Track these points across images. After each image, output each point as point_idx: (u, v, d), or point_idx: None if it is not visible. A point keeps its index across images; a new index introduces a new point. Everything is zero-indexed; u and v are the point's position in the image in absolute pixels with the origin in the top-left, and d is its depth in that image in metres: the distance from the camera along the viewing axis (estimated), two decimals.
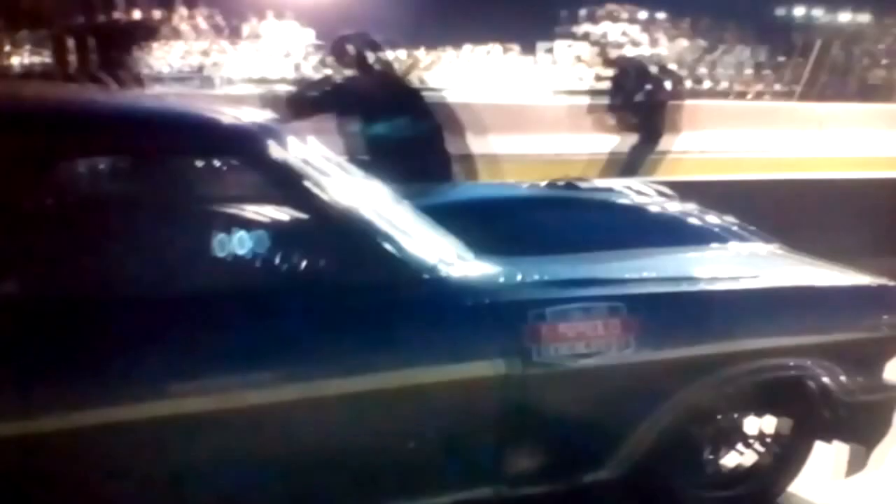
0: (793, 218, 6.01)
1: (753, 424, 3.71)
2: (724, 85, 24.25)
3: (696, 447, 3.55)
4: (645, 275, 3.48)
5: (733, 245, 4.21)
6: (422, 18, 25.96)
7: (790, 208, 7.01)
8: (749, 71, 24.52)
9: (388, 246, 2.91)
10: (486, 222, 3.70)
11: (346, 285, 2.80)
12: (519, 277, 3.18)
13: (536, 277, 3.22)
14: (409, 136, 5.62)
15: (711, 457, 3.63)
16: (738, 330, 3.37)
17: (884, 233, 7.71)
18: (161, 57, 19.07)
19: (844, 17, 28.88)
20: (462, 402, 2.94)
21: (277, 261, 2.83)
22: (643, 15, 31.19)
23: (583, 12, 32.51)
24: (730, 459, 3.71)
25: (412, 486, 3.04)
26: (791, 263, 4.00)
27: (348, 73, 5.89)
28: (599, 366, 3.07)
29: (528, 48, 29.58)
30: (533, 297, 3.09)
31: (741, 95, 21.56)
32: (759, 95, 21.48)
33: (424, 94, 6.68)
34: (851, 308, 3.70)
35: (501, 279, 3.14)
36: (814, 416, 3.64)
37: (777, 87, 22.72)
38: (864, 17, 29.00)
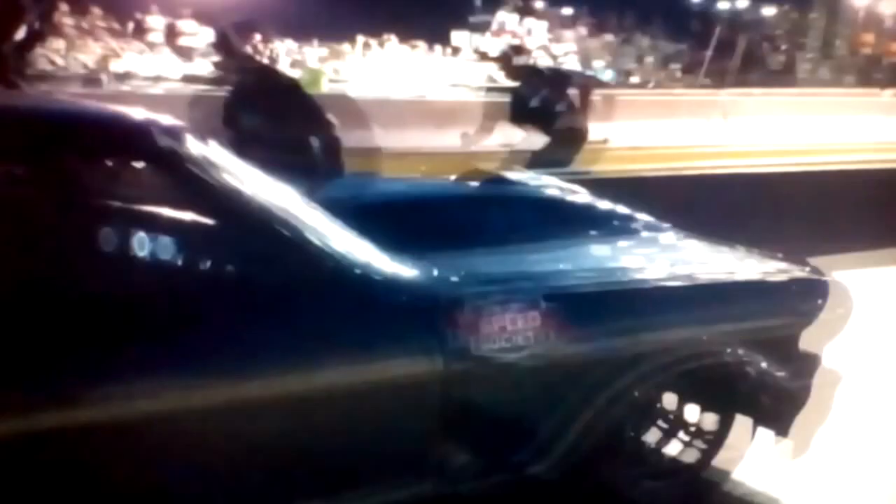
0: (701, 209, 6.14)
1: (685, 413, 3.82)
2: (625, 75, 24.65)
3: (630, 438, 3.59)
4: (565, 268, 3.50)
5: (647, 236, 4.29)
6: (318, 10, 25.78)
7: (697, 199, 7.14)
8: (650, 59, 24.93)
9: (309, 243, 2.87)
10: (398, 219, 3.70)
11: (268, 284, 2.76)
12: (439, 274, 3.15)
13: (457, 273, 3.19)
14: (290, 132, 5.58)
15: (647, 447, 3.71)
16: (663, 320, 3.42)
17: (792, 221, 7.95)
18: (55, 56, 18.54)
19: (743, 3, 29.56)
20: (389, 400, 2.94)
21: (190, 262, 2.79)
22: (541, 5, 31.51)
23: (482, 3, 32.72)
24: (666, 449, 3.80)
25: (342, 485, 3.02)
26: (706, 253, 4.10)
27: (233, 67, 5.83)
28: (524, 360, 3.10)
29: (428, 41, 29.60)
30: (455, 293, 3.07)
31: (643, 85, 21.91)
32: (660, 84, 21.83)
33: (306, 88, 6.63)
34: (775, 295, 3.79)
35: (423, 276, 3.11)
36: (746, 404, 3.75)
37: (679, 75, 23.14)
38: (764, 4, 29.74)
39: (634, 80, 24.29)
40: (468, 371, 3.04)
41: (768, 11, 28.88)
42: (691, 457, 3.81)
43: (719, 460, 3.88)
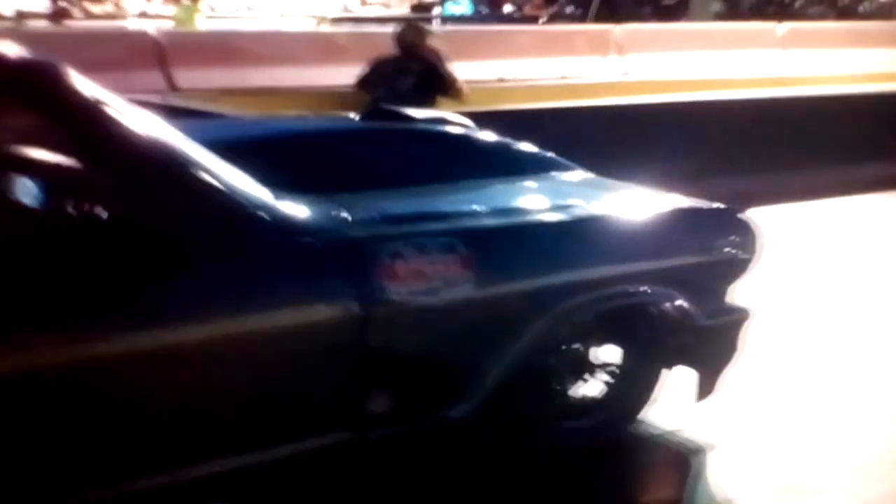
0: (598, 145, 6.23)
1: (602, 353, 3.89)
2: (513, 9, 24.72)
3: (548, 379, 3.70)
4: (477, 208, 3.56)
5: (554, 175, 4.34)
6: None
7: (595, 135, 7.21)
8: None
9: (214, 183, 2.84)
10: (294, 158, 3.69)
11: (174, 229, 2.72)
12: (349, 215, 3.17)
13: (367, 214, 3.22)
14: None
15: (563, 387, 3.78)
16: (575, 260, 3.50)
17: (695, 157, 8.12)
18: None
19: None
20: (307, 345, 2.96)
21: (83, 206, 2.69)
22: None
23: None
24: (582, 389, 3.88)
25: (265, 434, 3.03)
26: (616, 191, 4.20)
27: None
28: (441, 303, 3.15)
29: None
30: (368, 235, 3.11)
31: (533, 20, 21.97)
32: (552, 19, 21.93)
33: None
34: (684, 232, 3.90)
35: (333, 217, 3.12)
36: (659, 342, 3.84)
37: (569, 10, 23.25)
38: None
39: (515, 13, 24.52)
40: (388, 315, 3.06)
41: None
42: (606, 396, 3.92)
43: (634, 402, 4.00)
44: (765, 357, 4.86)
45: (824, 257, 6.99)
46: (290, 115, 5.76)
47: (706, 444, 4.11)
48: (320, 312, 2.98)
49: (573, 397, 3.88)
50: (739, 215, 4.09)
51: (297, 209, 3.06)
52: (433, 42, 9.08)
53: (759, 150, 8.97)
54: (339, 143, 4.21)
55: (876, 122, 9.95)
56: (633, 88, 11.15)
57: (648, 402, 4.03)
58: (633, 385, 3.95)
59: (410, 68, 8.75)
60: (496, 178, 4.11)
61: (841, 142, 9.56)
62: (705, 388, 3.99)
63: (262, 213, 2.92)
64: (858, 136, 9.72)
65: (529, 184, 4.16)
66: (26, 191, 2.68)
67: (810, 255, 6.93)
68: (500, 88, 11.06)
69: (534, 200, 3.89)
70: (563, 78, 12.17)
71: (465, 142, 4.48)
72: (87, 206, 2.67)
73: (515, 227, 3.50)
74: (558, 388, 3.81)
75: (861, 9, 26.40)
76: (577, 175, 4.46)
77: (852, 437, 4.24)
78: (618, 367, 3.92)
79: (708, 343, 3.89)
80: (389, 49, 9.08)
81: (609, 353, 3.93)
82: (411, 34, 9.04)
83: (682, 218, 3.93)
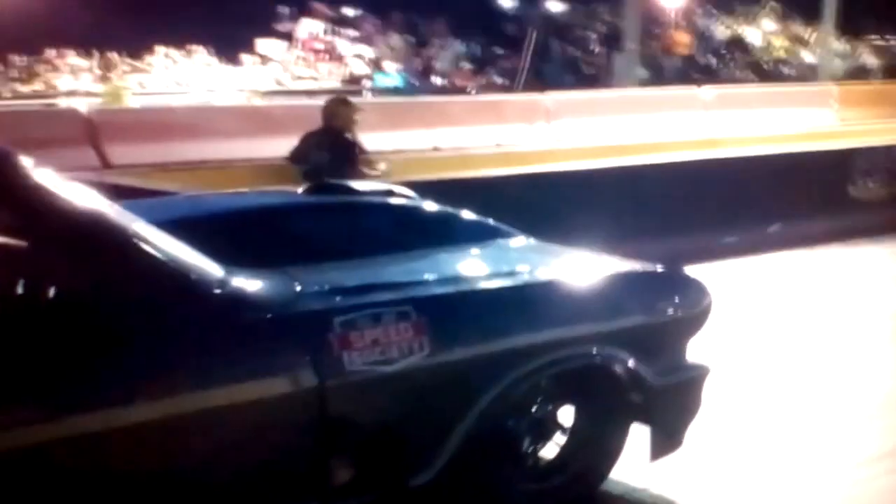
0: (533, 211, 6.30)
1: (561, 415, 3.91)
2: (443, 80, 25.05)
3: (509, 442, 3.72)
4: (428, 277, 3.62)
5: (498, 242, 4.41)
6: (120, 24, 25.12)
7: (532, 201, 7.28)
8: (466, 65, 25.35)
9: (164, 260, 2.85)
10: (246, 234, 3.75)
11: (123, 307, 2.72)
12: (302, 288, 3.20)
13: (320, 287, 3.26)
14: None
15: (525, 450, 3.81)
16: (525, 325, 3.56)
17: (627, 218, 8.25)
18: None
19: (554, 5, 30.44)
20: (264, 419, 2.95)
21: (34, 285, 2.68)
22: (350, 13, 31.58)
23: (286, 11, 32.51)
24: (545, 451, 3.90)
25: None
26: (560, 256, 4.29)
27: None
28: (397, 371, 3.17)
29: (229, 49, 29.23)
30: (322, 307, 3.13)
31: (463, 90, 22.26)
32: (481, 89, 22.24)
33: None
34: (631, 294, 4.00)
35: (286, 290, 3.16)
36: (614, 402, 3.86)
37: (498, 80, 23.61)
38: (574, 5, 30.73)
39: (445, 84, 24.81)
40: (345, 386, 3.07)
41: (578, 15, 29.80)
42: (568, 457, 3.96)
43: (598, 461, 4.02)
44: (725, 412, 4.92)
45: (764, 313, 7.11)
46: (240, 191, 5.76)
47: (672, 502, 4.14)
48: (276, 386, 2.97)
49: (535, 460, 3.90)
50: (685, 274, 4.19)
51: (249, 283, 3.08)
52: (359, 115, 9.14)
53: (688, 210, 9.10)
54: (288, 217, 4.25)
55: (803, 180, 10.21)
56: (566, 155, 11.31)
57: (614, 462, 4.06)
58: (594, 445, 3.99)
59: (331, 142, 8.81)
60: (443, 247, 4.16)
61: (770, 200, 9.77)
62: (663, 446, 4.03)
63: (214, 289, 2.93)
64: (786, 194, 9.94)
65: (476, 251, 4.23)
66: None
67: (752, 311, 7.04)
68: (435, 157, 11.14)
69: (482, 268, 3.98)
70: (497, 145, 12.31)
71: (410, 212, 4.55)
72: (31, 285, 2.65)
73: (467, 294, 3.55)
74: (519, 451, 3.83)
75: (784, 71, 27.20)
76: (521, 241, 4.54)
77: (816, 492, 4.30)
78: (576, 428, 3.95)
79: (663, 401, 3.95)
80: (317, 122, 9.12)
81: (567, 415, 3.95)
82: (335, 108, 9.09)
83: (628, 280, 4.03)
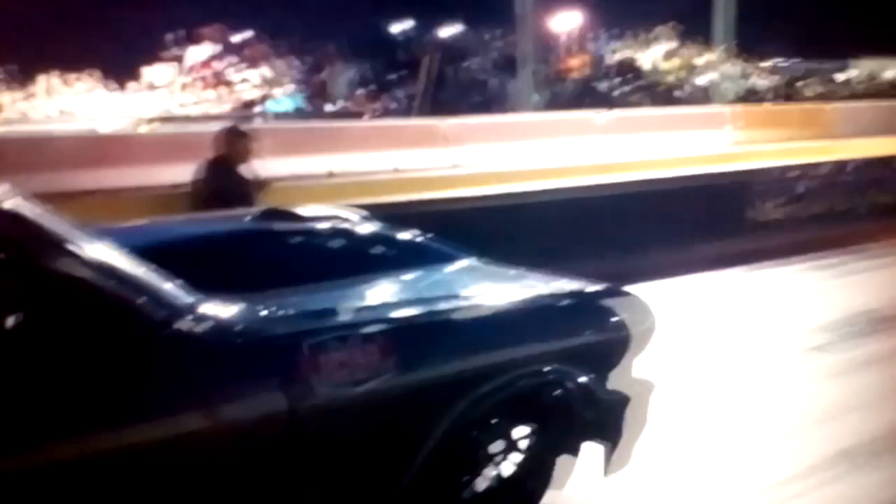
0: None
1: (516, 433, 3.91)
2: (337, 106, 24.89)
3: (471, 461, 3.78)
4: (390, 299, 3.79)
5: (452, 262, 4.56)
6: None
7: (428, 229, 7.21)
8: (361, 90, 25.28)
9: (139, 287, 2.92)
10: (199, 260, 3.70)
11: (93, 336, 2.77)
12: (268, 313, 3.26)
13: (286, 312, 3.32)
14: None
15: (484, 468, 3.85)
16: (485, 344, 3.68)
17: (526, 244, 8.21)
18: None
19: (448, 31, 30.67)
20: (235, 442, 3.00)
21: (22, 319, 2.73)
22: (239, 38, 31.33)
23: (173, 37, 32.13)
24: (499, 469, 3.89)
25: None
26: (511, 276, 4.41)
27: None
28: (364, 393, 3.24)
29: (116, 76, 28.75)
30: (289, 332, 3.19)
31: (358, 115, 22.19)
32: (377, 114, 22.22)
33: None
34: (581, 313, 4.12)
35: (253, 316, 3.21)
36: (567, 420, 3.96)
37: (393, 105, 23.65)
38: (468, 31, 31.01)
39: (340, 109, 24.70)
40: (314, 409, 3.11)
41: (473, 40, 30.07)
42: (524, 474, 3.97)
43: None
44: (671, 427, 4.94)
45: (675, 335, 7.13)
46: (189, 217, 5.66)
47: None
48: (247, 409, 3.01)
49: (492, 477, 3.91)
50: (630, 293, 4.30)
51: (217, 309, 3.13)
52: (252, 142, 9.00)
53: (586, 235, 9.08)
54: (242, 243, 4.32)
55: (701, 203, 10.34)
56: (466, 181, 11.31)
57: (567, 477, 4.12)
58: (547, 462, 4.03)
59: (226, 172, 8.64)
60: (401, 269, 4.25)
61: (668, 224, 9.85)
62: (615, 462, 4.11)
63: (185, 314, 2.99)
64: (684, 218, 10.05)
65: (432, 273, 4.32)
66: None
67: (662, 334, 7.06)
68: (330, 184, 11.06)
69: (440, 290, 4.04)
70: (395, 171, 12.29)
71: (365, 236, 4.64)
72: None
73: (429, 316, 3.61)
74: (479, 470, 3.85)
75: (678, 94, 27.81)
76: (473, 262, 4.63)
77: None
78: (532, 445, 3.98)
79: (613, 417, 4.05)
80: (207, 149, 8.95)
81: (523, 433, 3.97)
82: (227, 137, 8.92)
83: (578, 299, 4.15)
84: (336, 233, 4.56)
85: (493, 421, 3.79)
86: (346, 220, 4.77)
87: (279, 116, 20.56)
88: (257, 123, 16.46)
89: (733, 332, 7.39)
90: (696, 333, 7.04)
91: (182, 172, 8.98)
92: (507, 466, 3.93)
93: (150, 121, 19.61)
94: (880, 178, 12.41)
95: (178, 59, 28.23)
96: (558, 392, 3.86)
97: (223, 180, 8.55)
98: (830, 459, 4.80)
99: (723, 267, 9.51)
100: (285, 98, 23.58)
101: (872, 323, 7.52)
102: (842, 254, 10.38)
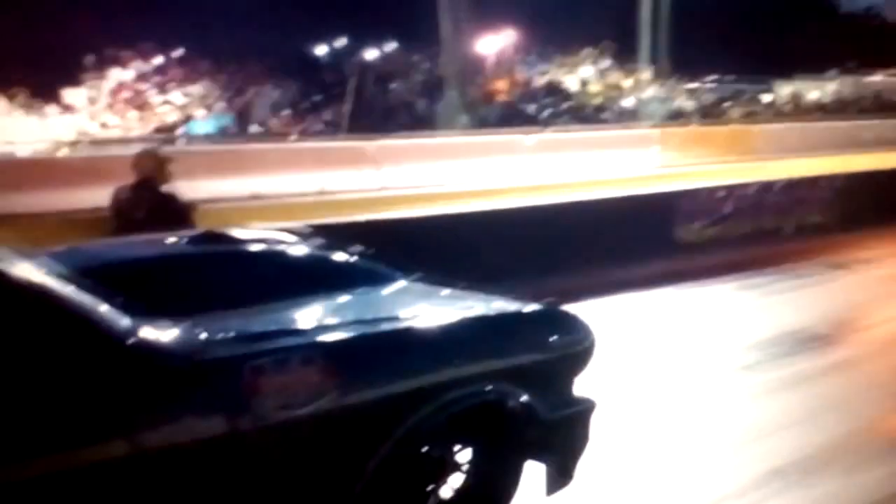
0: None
1: (461, 453, 3.98)
2: (262, 127, 24.72)
3: (412, 481, 3.78)
4: (330, 321, 3.77)
5: (391, 282, 4.54)
6: None
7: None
8: (286, 111, 25.13)
9: (77, 312, 2.92)
10: (137, 283, 3.66)
11: (43, 360, 2.78)
12: (208, 336, 3.25)
13: (226, 334, 3.31)
14: None
15: (427, 488, 3.88)
16: (426, 364, 3.69)
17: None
18: None
19: (375, 52, 30.69)
20: (178, 466, 2.98)
21: None
22: (162, 59, 31.09)
23: (94, 58, 31.75)
24: (443, 490, 3.94)
25: None
26: (451, 296, 4.43)
27: None
28: (307, 414, 3.24)
29: (35, 97, 28.26)
30: (230, 354, 3.18)
31: (283, 136, 22.04)
32: (302, 135, 22.10)
33: None
34: (522, 332, 4.14)
35: (193, 339, 3.19)
36: (514, 438, 3.99)
37: (319, 126, 23.56)
38: (396, 51, 31.05)
39: (265, 130, 24.52)
40: (256, 431, 3.11)
41: (403, 62, 30.13)
42: (468, 495, 3.99)
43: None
44: (611, 446, 4.93)
45: (610, 355, 7.13)
46: (123, 242, 5.54)
47: None
48: (189, 433, 2.98)
49: (437, 498, 3.92)
50: (570, 313, 4.33)
51: (157, 332, 3.11)
52: (172, 166, 8.84)
53: (514, 256, 9.06)
54: (179, 266, 4.27)
55: (630, 223, 10.40)
56: (394, 202, 11.28)
57: (510, 500, 4.09)
58: (493, 482, 4.05)
59: (144, 197, 8.48)
60: (339, 289, 4.23)
61: (598, 244, 9.88)
62: (558, 481, 4.13)
63: (125, 338, 2.98)
64: (614, 238, 10.10)
65: (373, 294, 4.32)
66: None
67: (617, 349, 7.06)
68: (255, 205, 10.94)
69: (380, 310, 4.04)
70: (321, 192, 12.21)
71: (303, 257, 4.62)
72: None
73: (370, 337, 3.62)
74: (422, 491, 3.86)
75: (604, 116, 28.10)
76: (412, 282, 4.61)
77: None
78: (476, 465, 4.01)
79: (556, 436, 4.07)
80: (128, 172, 8.79)
81: (467, 453, 3.99)
82: (145, 161, 8.75)
83: (518, 318, 4.17)
84: (274, 255, 4.53)
85: (438, 439, 3.81)
86: (284, 241, 4.74)
87: (203, 138, 20.38)
88: (180, 145, 16.25)
89: (665, 351, 7.42)
90: (627, 353, 7.05)
91: (103, 196, 8.82)
92: (451, 486, 3.94)
93: (71, 143, 19.27)
94: (807, 197, 12.61)
95: (100, 80, 27.85)
96: (500, 411, 3.87)
97: (146, 203, 8.41)
98: (763, 478, 4.85)
99: (652, 286, 9.56)
100: (209, 119, 23.37)
101: (801, 341, 7.62)
102: (770, 273, 10.52)
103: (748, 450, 5.27)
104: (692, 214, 11.33)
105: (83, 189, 10.24)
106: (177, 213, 8.43)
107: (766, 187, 12.29)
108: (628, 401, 5.97)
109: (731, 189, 11.87)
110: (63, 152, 18.11)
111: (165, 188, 8.60)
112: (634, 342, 7.48)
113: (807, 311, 8.81)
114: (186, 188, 9.01)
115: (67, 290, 3.01)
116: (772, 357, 7.15)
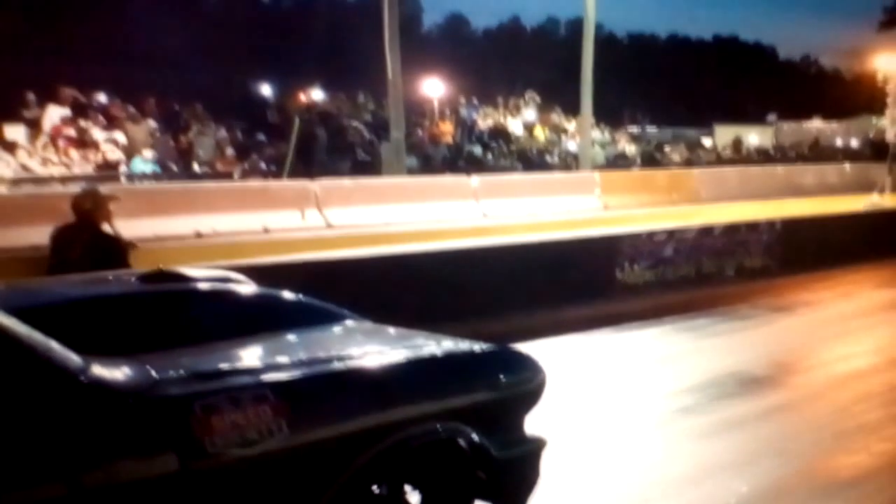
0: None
1: (410, 493, 3.95)
2: (205, 166, 24.56)
3: None
4: (280, 360, 3.76)
5: (339, 323, 4.61)
6: None
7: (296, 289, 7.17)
8: (230, 151, 25.06)
9: (30, 349, 2.92)
10: (83, 322, 3.75)
11: None
12: (158, 374, 3.24)
13: (176, 372, 3.30)
14: None
15: None
16: (376, 404, 3.71)
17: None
18: None
19: (320, 93, 30.69)
20: (132, 502, 2.98)
21: None
22: (103, 97, 30.87)
23: (34, 96, 31.48)
24: None
25: None
26: (400, 336, 4.48)
27: None
28: (257, 453, 3.26)
29: None
30: (180, 392, 3.18)
31: (227, 176, 21.94)
32: (245, 175, 22.02)
33: None
34: (473, 370, 4.21)
35: (143, 377, 3.20)
36: (464, 477, 4.02)
37: (263, 166, 23.47)
38: (342, 93, 31.08)
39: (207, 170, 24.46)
40: (207, 470, 3.13)
41: (347, 104, 30.16)
42: None
43: None
44: (555, 488, 4.94)
45: (567, 393, 7.16)
46: (71, 281, 5.51)
47: None
48: (137, 471, 2.99)
49: None
50: (520, 352, 4.41)
51: (108, 371, 3.12)
52: (113, 205, 8.79)
53: (456, 298, 9.08)
54: (127, 305, 4.27)
55: (572, 266, 10.49)
56: (338, 243, 11.29)
57: None
58: None
59: (81, 237, 8.43)
60: (288, 329, 4.28)
61: (539, 286, 9.95)
62: None
63: (78, 376, 2.98)
64: (556, 280, 10.17)
65: (321, 334, 4.34)
66: None
67: (557, 391, 7.09)
68: (198, 244, 10.90)
69: (330, 350, 4.02)
70: (265, 231, 12.18)
71: (251, 297, 4.65)
72: None
73: (320, 376, 3.63)
74: None
75: (547, 160, 28.33)
76: (360, 323, 4.66)
77: None
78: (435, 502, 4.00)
79: (506, 474, 4.09)
80: (68, 210, 8.71)
81: (416, 493, 3.97)
82: (84, 201, 8.70)
83: (468, 357, 4.23)
84: (223, 294, 4.56)
85: (388, 478, 3.82)
86: (232, 281, 4.79)
87: (145, 177, 20.28)
88: (121, 184, 16.14)
89: (604, 393, 7.48)
90: (567, 396, 7.10)
91: (43, 234, 8.76)
92: None
93: (10, 182, 19.03)
94: (746, 240, 12.82)
95: (39, 118, 27.59)
96: (450, 450, 3.89)
97: (81, 243, 8.35)
98: None
99: (592, 328, 9.65)
100: (150, 159, 23.25)
101: (740, 383, 7.72)
102: (709, 315, 10.67)
103: (687, 492, 5.33)
104: (633, 257, 11.47)
105: (23, 227, 10.13)
106: (113, 252, 8.38)
107: (707, 231, 12.48)
108: (568, 444, 6.00)
109: (671, 233, 12.04)
110: (2, 190, 17.90)
111: (105, 227, 8.55)
112: (574, 384, 7.53)
113: (746, 353, 8.93)
114: (128, 227, 8.98)
115: (19, 325, 3.01)
116: (710, 399, 7.23)
